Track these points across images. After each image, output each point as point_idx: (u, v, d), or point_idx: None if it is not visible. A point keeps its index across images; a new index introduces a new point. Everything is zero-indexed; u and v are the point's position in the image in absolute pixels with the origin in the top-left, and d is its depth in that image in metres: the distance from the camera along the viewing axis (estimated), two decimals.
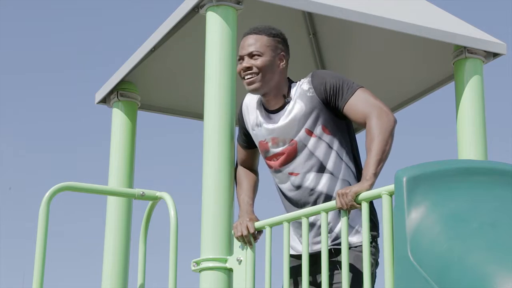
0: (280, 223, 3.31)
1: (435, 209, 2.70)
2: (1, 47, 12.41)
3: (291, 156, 3.48)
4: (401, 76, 4.79)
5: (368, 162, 3.23)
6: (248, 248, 3.37)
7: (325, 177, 3.44)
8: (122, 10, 13.84)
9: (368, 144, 3.28)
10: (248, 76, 3.51)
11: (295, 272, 3.40)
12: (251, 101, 3.67)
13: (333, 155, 3.45)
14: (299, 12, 4.72)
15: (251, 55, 3.52)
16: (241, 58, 3.55)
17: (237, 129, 3.72)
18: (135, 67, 4.43)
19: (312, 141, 3.45)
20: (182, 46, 4.48)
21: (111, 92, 4.65)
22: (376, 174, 3.21)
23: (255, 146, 3.66)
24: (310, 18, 4.81)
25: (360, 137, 5.18)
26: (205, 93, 3.68)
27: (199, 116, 4.66)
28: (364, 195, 3.06)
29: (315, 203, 3.42)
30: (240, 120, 3.70)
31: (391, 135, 3.29)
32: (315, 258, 3.33)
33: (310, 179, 3.45)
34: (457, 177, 2.82)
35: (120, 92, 4.62)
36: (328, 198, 3.41)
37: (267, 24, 3.61)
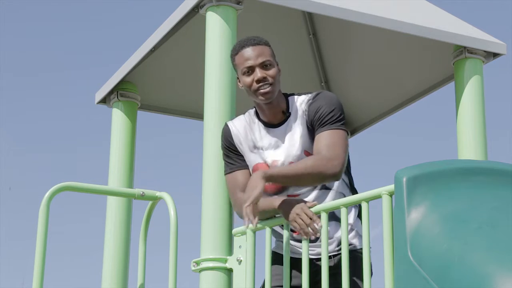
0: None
1: (435, 209, 2.70)
2: (1, 48, 12.42)
3: None
4: (401, 76, 4.79)
5: (288, 166, 3.28)
6: (248, 248, 3.36)
7: (323, 193, 3.40)
8: (122, 10, 13.84)
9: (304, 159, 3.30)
10: (265, 87, 3.36)
11: (294, 275, 3.38)
12: (238, 125, 3.51)
13: None
14: (299, 12, 4.72)
15: (262, 65, 3.37)
16: (251, 70, 3.37)
17: None
18: (135, 67, 4.43)
19: None
20: (182, 46, 4.48)
21: (111, 92, 4.65)
22: (274, 177, 3.19)
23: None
24: (310, 18, 4.81)
25: (357, 137, 5.20)
26: (205, 93, 3.68)
27: (199, 116, 4.66)
28: (364, 195, 3.05)
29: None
30: (230, 145, 3.49)
31: (316, 175, 3.23)
32: (316, 265, 3.33)
33: (312, 198, 3.39)
34: (457, 177, 2.82)
35: (120, 92, 4.63)
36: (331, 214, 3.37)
37: (255, 35, 3.49)
